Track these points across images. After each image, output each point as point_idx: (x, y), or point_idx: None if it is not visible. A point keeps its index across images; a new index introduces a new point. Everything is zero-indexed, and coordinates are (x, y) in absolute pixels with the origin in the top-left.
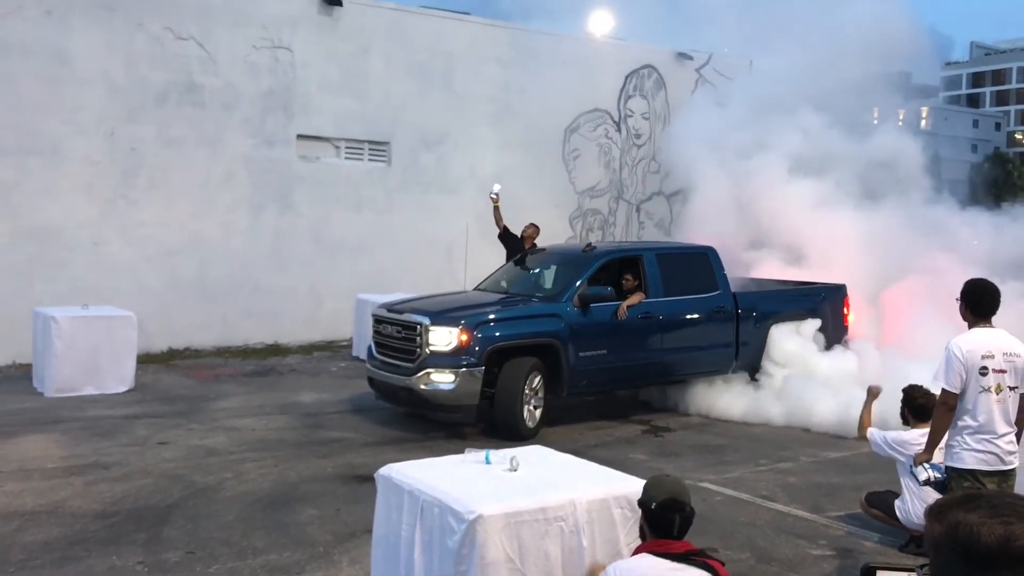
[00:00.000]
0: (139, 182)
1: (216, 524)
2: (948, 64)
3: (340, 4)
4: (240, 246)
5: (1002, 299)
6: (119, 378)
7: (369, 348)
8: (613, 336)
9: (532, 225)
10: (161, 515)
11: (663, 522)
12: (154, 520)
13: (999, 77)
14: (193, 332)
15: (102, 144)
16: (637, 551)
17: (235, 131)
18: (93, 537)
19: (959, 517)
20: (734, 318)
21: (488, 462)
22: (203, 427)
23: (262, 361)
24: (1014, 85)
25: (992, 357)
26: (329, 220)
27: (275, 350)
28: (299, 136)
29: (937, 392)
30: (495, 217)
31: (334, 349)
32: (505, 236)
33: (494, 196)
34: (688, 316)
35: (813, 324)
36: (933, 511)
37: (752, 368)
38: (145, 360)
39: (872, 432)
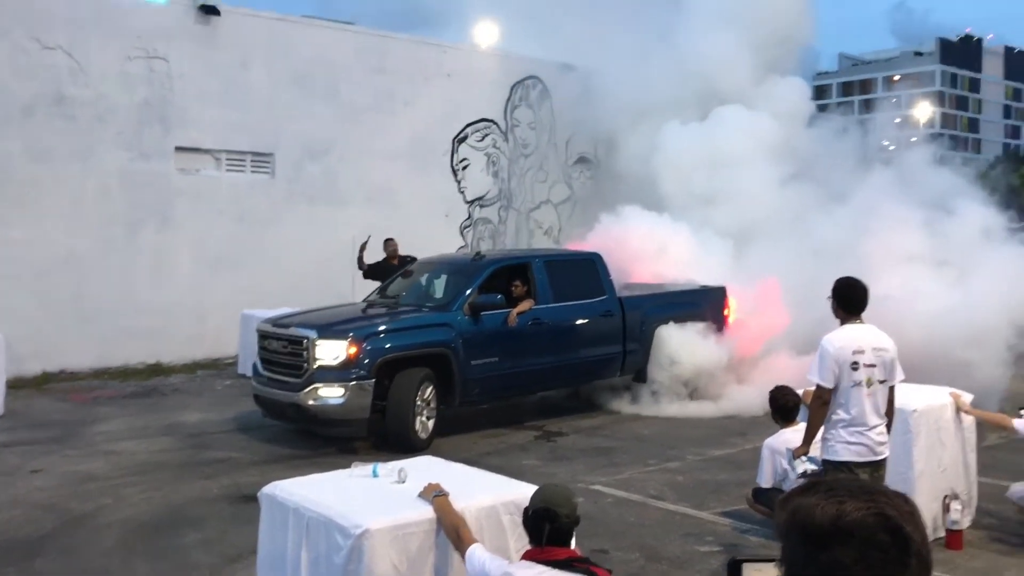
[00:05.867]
0: (6, 198)
1: (94, 552)
2: (819, 74)
3: (217, 13)
4: (117, 263)
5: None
6: None
7: (255, 365)
8: (504, 344)
9: (391, 240)
10: (33, 547)
11: (535, 530)
12: (24, 552)
13: (866, 87)
14: (69, 354)
15: None
16: (522, 557)
17: (109, 144)
18: None
19: (798, 502)
20: (621, 322)
21: (375, 475)
22: (80, 452)
23: (144, 382)
24: (880, 94)
25: (863, 352)
26: (211, 234)
27: (157, 370)
28: (177, 148)
29: (812, 388)
30: (361, 255)
31: (219, 367)
32: (372, 269)
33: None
34: (577, 321)
35: (697, 325)
36: (780, 502)
37: (639, 371)
38: (16, 385)
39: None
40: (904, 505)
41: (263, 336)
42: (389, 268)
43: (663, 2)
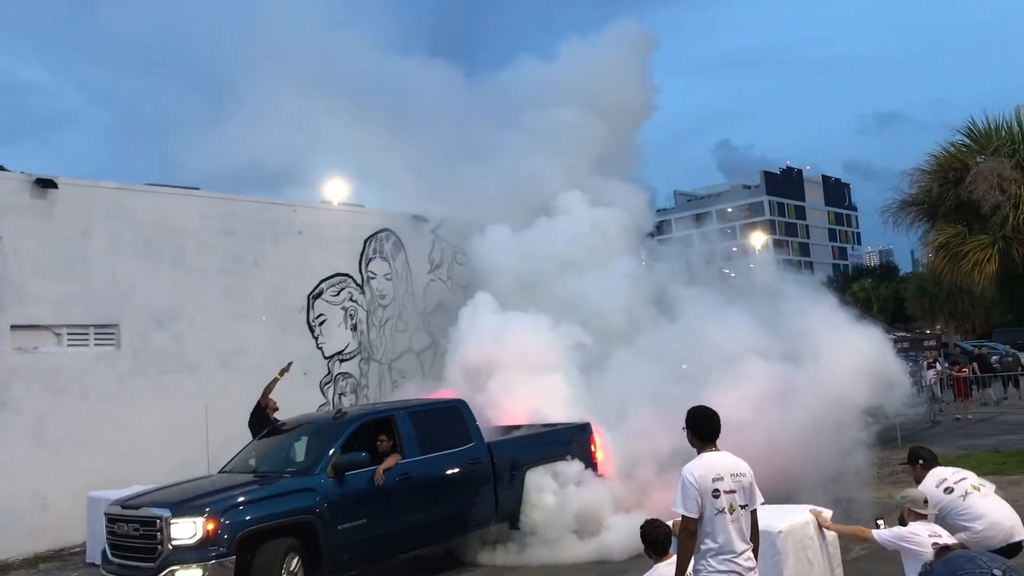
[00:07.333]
0: None
1: None
2: (658, 211)
3: (55, 186)
4: None
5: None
6: None
7: (103, 551)
8: (373, 503)
9: (271, 400)
10: None
11: None
12: None
13: (702, 220)
14: None
15: None
16: None
17: None
18: None
19: None
20: (491, 469)
21: None
22: None
23: None
24: (715, 226)
25: (722, 479)
26: (52, 414)
27: None
28: (13, 327)
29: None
30: (267, 391)
31: (64, 558)
32: (259, 414)
33: (284, 371)
34: (447, 472)
35: (565, 465)
36: None
37: (512, 517)
38: None
39: None
40: None
41: (112, 519)
42: (266, 420)
43: (495, 129)
